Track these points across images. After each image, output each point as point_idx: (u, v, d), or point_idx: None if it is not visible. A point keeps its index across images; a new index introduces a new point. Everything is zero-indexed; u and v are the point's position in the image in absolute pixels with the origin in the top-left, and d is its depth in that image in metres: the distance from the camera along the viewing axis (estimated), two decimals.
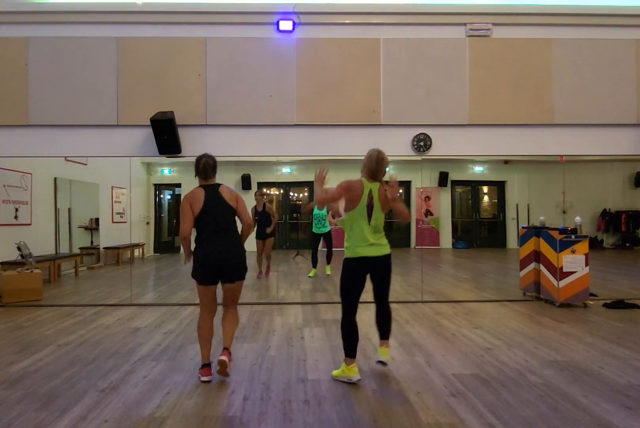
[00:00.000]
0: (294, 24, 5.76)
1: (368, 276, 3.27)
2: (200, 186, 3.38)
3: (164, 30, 5.79)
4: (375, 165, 3.22)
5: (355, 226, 3.20)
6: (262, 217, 7.81)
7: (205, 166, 3.35)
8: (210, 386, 3.11)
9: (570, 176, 10.78)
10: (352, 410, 2.72)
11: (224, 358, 3.17)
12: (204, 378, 3.19)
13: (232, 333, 3.39)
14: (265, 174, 12.47)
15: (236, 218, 3.39)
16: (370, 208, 3.19)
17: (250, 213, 3.38)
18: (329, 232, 8.05)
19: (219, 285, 3.35)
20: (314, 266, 8.02)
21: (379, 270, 3.26)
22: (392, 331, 3.51)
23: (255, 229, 7.73)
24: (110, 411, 2.72)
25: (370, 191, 3.20)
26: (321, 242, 8.06)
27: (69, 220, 9.01)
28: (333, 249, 7.99)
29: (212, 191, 3.31)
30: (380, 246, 3.23)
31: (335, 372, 3.27)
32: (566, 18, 5.97)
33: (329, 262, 8.06)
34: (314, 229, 8.04)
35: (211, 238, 3.24)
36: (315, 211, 7.99)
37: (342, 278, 3.26)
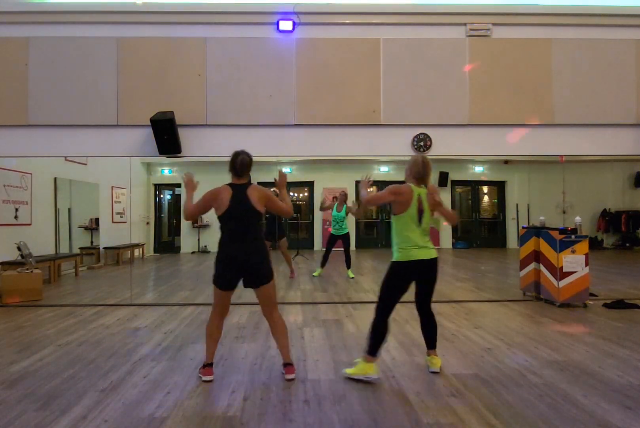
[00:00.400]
0: (294, 24, 5.75)
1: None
2: (229, 184, 3.23)
3: (164, 30, 5.79)
4: (422, 170, 3.32)
5: (405, 230, 3.25)
6: (271, 217, 7.74)
7: (242, 164, 3.21)
8: (210, 386, 3.11)
9: (570, 176, 10.80)
10: (352, 410, 2.72)
11: (292, 376, 3.17)
12: (205, 378, 3.19)
13: (285, 346, 3.25)
14: (265, 174, 12.46)
15: (262, 219, 3.32)
16: (420, 212, 3.26)
17: (282, 204, 3.32)
18: (347, 234, 7.93)
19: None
20: (322, 266, 7.93)
21: (426, 273, 3.29)
22: (391, 331, 3.51)
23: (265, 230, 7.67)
24: (110, 411, 2.72)
25: (419, 195, 3.27)
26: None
27: (69, 220, 9.02)
28: (333, 249, 7.95)
29: (239, 192, 3.16)
30: (429, 249, 3.28)
31: (350, 370, 3.24)
32: (566, 18, 5.97)
33: (349, 266, 7.87)
34: (332, 231, 7.93)
35: (232, 243, 3.14)
36: (334, 212, 7.91)
37: (387, 280, 3.28)
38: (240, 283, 3.24)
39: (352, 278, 7.79)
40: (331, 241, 7.96)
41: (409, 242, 3.22)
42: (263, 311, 3.34)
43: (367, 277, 7.84)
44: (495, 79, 5.90)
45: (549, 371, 3.32)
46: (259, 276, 3.17)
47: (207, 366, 3.24)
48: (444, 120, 5.90)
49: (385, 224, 14.07)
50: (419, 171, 3.32)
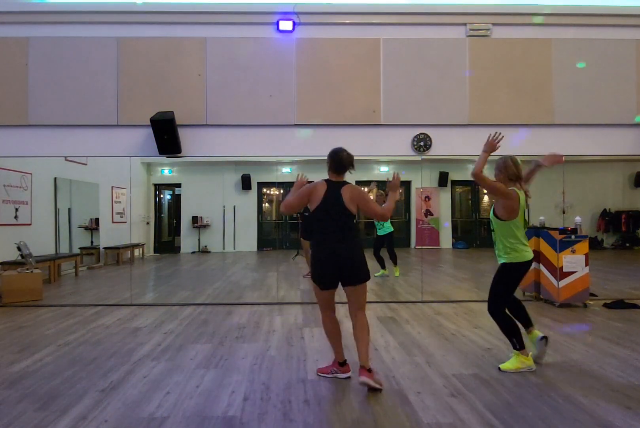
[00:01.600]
0: (294, 24, 5.75)
1: None
2: (326, 179, 3.19)
3: (164, 30, 5.79)
4: (516, 169, 3.37)
5: (518, 232, 3.36)
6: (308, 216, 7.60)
7: (344, 161, 3.16)
8: (210, 386, 3.11)
9: (570, 176, 10.78)
10: (352, 410, 2.72)
11: (364, 379, 2.93)
12: (342, 376, 3.20)
13: (364, 346, 3.06)
14: (265, 174, 12.48)
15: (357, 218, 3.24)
16: (524, 214, 3.40)
17: (377, 206, 3.23)
18: (391, 233, 7.78)
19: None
20: (383, 267, 7.79)
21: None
22: (392, 331, 3.51)
23: (301, 228, 7.45)
24: (110, 411, 2.72)
25: (525, 199, 3.39)
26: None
27: (69, 220, 9.01)
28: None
29: (334, 190, 3.10)
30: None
31: (507, 365, 3.34)
32: (566, 18, 5.97)
33: (395, 263, 7.78)
34: (379, 232, 7.78)
35: (326, 241, 3.09)
36: None
37: (503, 283, 3.40)
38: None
39: (397, 276, 7.71)
40: (379, 242, 7.79)
41: (522, 244, 3.37)
42: (350, 310, 3.26)
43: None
44: (495, 79, 5.90)
45: (549, 371, 3.32)
46: (352, 273, 3.07)
47: (343, 364, 3.22)
48: (444, 120, 5.90)
49: None
50: (514, 172, 3.37)
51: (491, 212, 3.47)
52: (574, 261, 5.38)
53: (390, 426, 2.52)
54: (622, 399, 2.83)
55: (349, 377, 3.20)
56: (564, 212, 9.62)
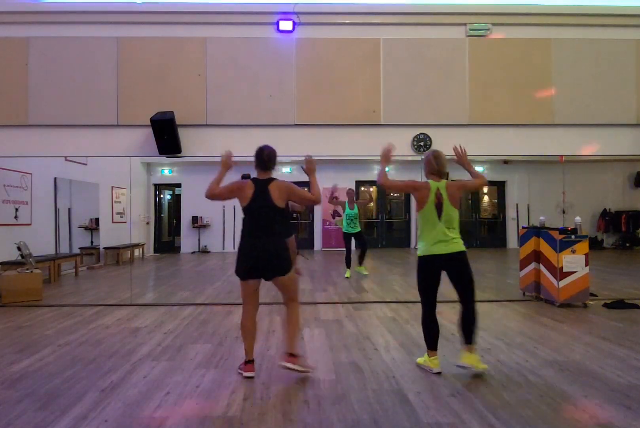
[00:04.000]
0: (294, 24, 5.75)
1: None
2: (253, 179, 3.31)
3: (164, 30, 5.79)
4: (436, 164, 3.38)
5: (425, 224, 3.33)
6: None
7: (270, 157, 3.30)
8: (210, 386, 3.11)
9: (570, 176, 10.80)
10: (352, 410, 2.72)
11: (285, 364, 3.16)
12: (246, 374, 3.22)
13: (292, 334, 3.30)
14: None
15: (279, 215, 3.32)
16: (439, 206, 3.30)
17: (306, 193, 3.42)
18: (360, 232, 7.90)
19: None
20: (349, 266, 7.86)
21: (452, 267, 3.32)
22: (392, 331, 3.51)
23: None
24: (110, 411, 2.72)
25: (438, 189, 3.32)
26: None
27: (69, 220, 9.02)
28: (334, 249, 7.93)
29: (261, 188, 3.23)
30: (451, 244, 3.30)
31: (419, 359, 3.44)
32: (566, 18, 5.97)
33: (361, 263, 7.88)
34: (345, 229, 7.89)
35: (251, 237, 3.24)
36: (347, 210, 7.87)
37: (417, 275, 3.39)
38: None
39: (366, 274, 7.82)
40: (347, 239, 7.89)
41: (429, 237, 3.30)
42: (283, 300, 3.43)
43: (367, 277, 7.84)
44: (495, 79, 5.90)
45: (549, 371, 3.32)
46: (282, 265, 3.23)
47: (248, 363, 3.27)
48: (444, 120, 5.90)
49: (386, 225, 14.08)
50: (433, 167, 3.38)
51: None
52: (574, 261, 5.38)
53: (390, 426, 2.52)
54: (622, 399, 2.83)
55: (251, 377, 3.21)
56: (564, 212, 9.63)
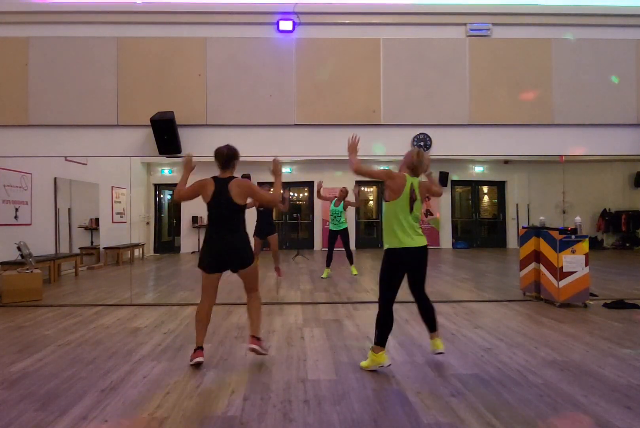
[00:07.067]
0: (294, 24, 5.75)
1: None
2: (214, 177, 3.51)
3: (164, 30, 5.79)
4: (415, 159, 3.42)
5: (396, 217, 3.33)
6: (262, 213, 7.39)
7: (229, 157, 3.52)
8: (210, 386, 3.11)
9: (570, 176, 10.81)
10: (352, 410, 2.72)
11: (252, 346, 3.50)
12: (195, 360, 3.39)
13: (255, 320, 3.61)
14: (265, 174, 12.44)
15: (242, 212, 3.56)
16: (412, 200, 3.34)
17: (265, 193, 3.63)
18: (346, 229, 7.86)
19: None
20: (328, 265, 7.80)
21: (416, 261, 3.38)
22: (392, 331, 3.50)
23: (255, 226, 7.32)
24: (110, 411, 2.72)
25: (412, 184, 3.37)
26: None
27: (69, 220, 9.02)
28: (334, 249, 7.91)
29: (221, 186, 3.44)
30: (420, 237, 3.37)
31: (363, 363, 3.41)
32: (566, 18, 5.97)
33: (351, 262, 7.85)
34: (331, 226, 7.88)
35: (214, 232, 3.46)
36: (332, 207, 7.86)
37: (382, 269, 3.37)
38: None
39: (355, 274, 7.79)
40: (331, 237, 7.89)
41: (400, 230, 3.31)
42: (245, 290, 3.72)
43: (367, 277, 7.83)
44: (495, 79, 5.90)
45: (549, 371, 3.32)
46: (244, 259, 3.50)
47: (197, 349, 3.47)
48: (444, 120, 5.90)
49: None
50: (412, 161, 3.41)
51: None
52: (574, 261, 5.38)
53: (390, 426, 2.52)
54: (622, 399, 2.83)
55: (199, 363, 3.42)
56: (564, 212, 9.64)
